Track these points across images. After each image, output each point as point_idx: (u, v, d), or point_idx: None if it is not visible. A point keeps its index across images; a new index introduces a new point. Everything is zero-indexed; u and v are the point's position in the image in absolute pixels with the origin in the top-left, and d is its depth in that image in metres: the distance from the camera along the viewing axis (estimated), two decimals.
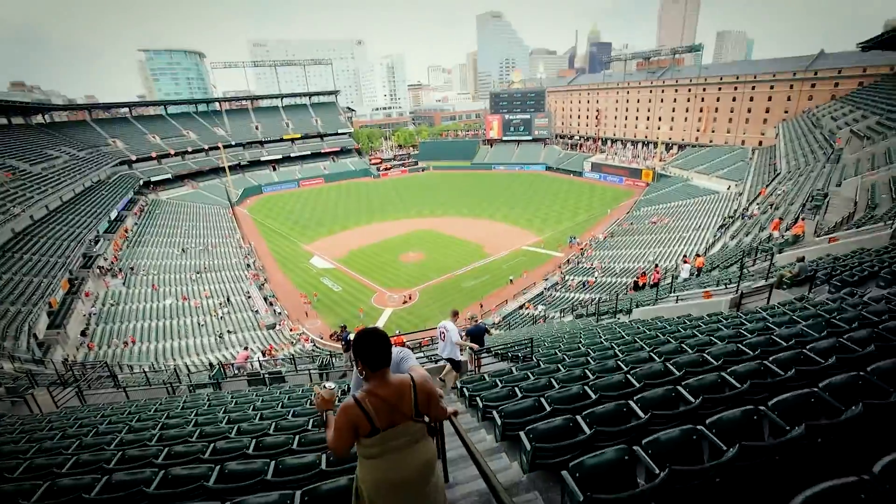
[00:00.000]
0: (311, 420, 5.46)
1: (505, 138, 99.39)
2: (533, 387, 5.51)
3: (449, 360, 8.70)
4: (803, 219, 20.16)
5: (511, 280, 39.97)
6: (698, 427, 3.03)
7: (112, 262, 39.12)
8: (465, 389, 6.69)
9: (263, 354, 16.08)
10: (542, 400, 4.68)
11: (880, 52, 53.17)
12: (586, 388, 4.79)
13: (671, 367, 4.90)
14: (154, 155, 75.84)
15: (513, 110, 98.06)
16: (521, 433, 3.69)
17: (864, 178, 22.86)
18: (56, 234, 36.75)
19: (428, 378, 2.60)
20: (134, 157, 73.07)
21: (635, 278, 20.91)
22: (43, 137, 60.39)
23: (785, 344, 4.91)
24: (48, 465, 4.37)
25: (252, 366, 14.36)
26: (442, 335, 8.64)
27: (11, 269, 28.87)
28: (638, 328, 9.59)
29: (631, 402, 3.94)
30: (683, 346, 6.01)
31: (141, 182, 67.83)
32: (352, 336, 13.83)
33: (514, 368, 7.60)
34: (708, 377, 4.11)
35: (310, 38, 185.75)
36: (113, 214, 49.19)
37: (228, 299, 36.57)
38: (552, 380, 5.59)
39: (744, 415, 3.10)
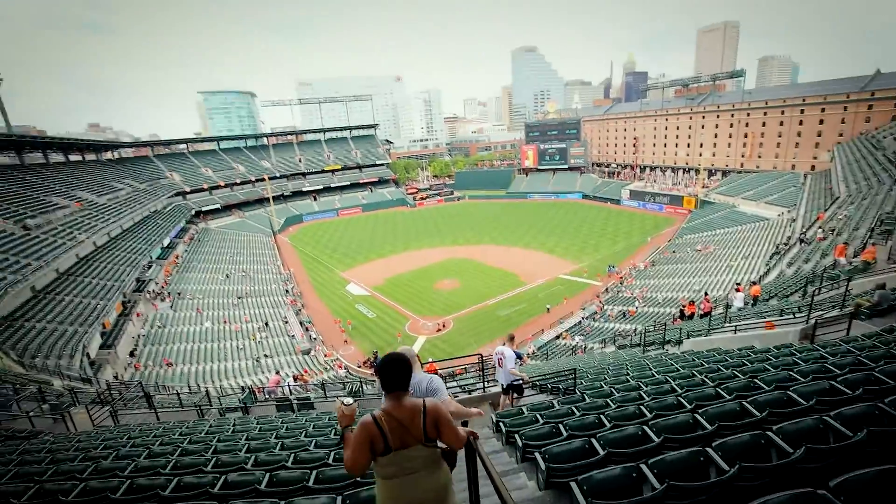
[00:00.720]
0: (332, 453, 5.04)
1: (540, 167, 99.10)
2: (580, 424, 4.85)
3: (508, 386, 8.36)
4: (874, 244, 18.39)
5: (548, 309, 38.67)
6: (819, 492, 2.23)
7: (162, 287, 40.98)
8: (501, 424, 6.07)
9: (295, 380, 15.88)
10: (594, 442, 4.06)
11: None
12: (646, 428, 4.11)
13: (749, 406, 4.15)
14: (206, 186, 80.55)
15: (548, 139, 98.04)
16: (573, 484, 3.06)
17: None
18: (114, 260, 39.07)
19: (440, 405, 2.67)
20: (188, 189, 77.83)
21: (682, 307, 19.51)
22: (110, 171, 65.54)
23: (892, 382, 4.04)
24: (55, 490, 4.17)
25: (282, 391, 14.14)
26: (500, 361, 8.30)
27: (72, 291, 30.71)
28: (693, 360, 8.65)
29: (709, 450, 3.23)
30: (757, 381, 5.18)
31: (193, 212, 71.86)
32: None
33: (555, 402, 6.95)
34: (805, 421, 3.35)
35: (352, 75, 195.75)
36: (166, 242, 52.04)
37: (267, 324, 37.27)
38: (602, 417, 4.92)
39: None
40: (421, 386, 3.73)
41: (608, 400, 6.00)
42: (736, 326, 11.06)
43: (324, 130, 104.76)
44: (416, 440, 2.56)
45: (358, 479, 4.00)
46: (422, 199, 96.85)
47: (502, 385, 8.44)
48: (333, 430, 7.04)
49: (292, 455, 4.99)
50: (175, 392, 14.61)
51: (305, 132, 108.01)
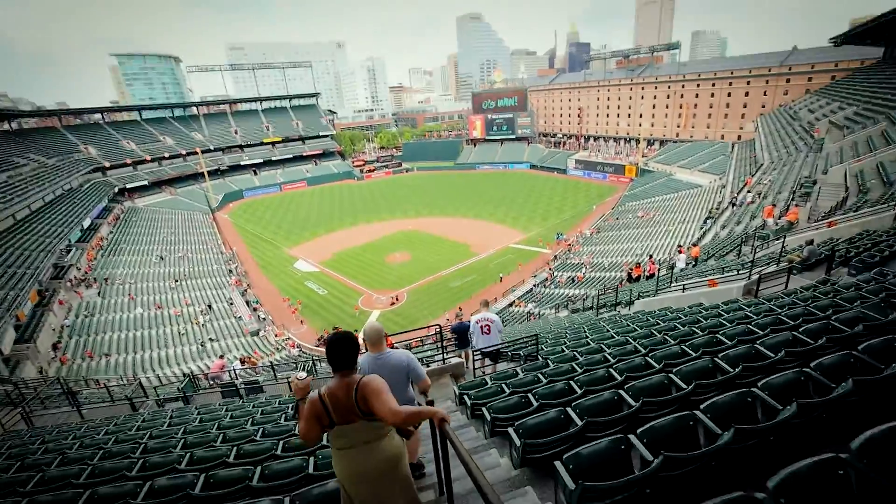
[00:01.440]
0: (281, 442, 4.54)
1: (488, 138, 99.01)
2: (550, 392, 4.65)
3: (486, 353, 8.22)
4: (796, 205, 19.93)
5: (501, 278, 39.29)
6: (843, 456, 2.01)
7: (86, 272, 37.27)
8: (465, 397, 5.81)
9: (242, 363, 14.88)
10: (570, 411, 3.84)
11: (852, 47, 54.60)
12: (622, 392, 3.95)
13: (721, 362, 4.10)
14: (129, 161, 73.25)
15: (495, 110, 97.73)
16: (558, 463, 2.79)
17: (850, 165, 23.05)
18: (24, 245, 34.74)
19: (372, 380, 2.72)
20: (107, 164, 70.39)
21: (629, 270, 20.34)
22: (9, 145, 57.65)
23: (850, 330, 4.15)
24: None
25: (229, 375, 13.16)
26: (486, 328, 8.06)
27: None
28: (648, 320, 8.87)
29: (698, 413, 3.06)
30: (718, 336, 5.22)
31: (116, 189, 65.39)
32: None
33: (519, 370, 6.78)
34: (786, 375, 3.28)
35: (289, 41, 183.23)
36: (86, 223, 47.10)
37: (210, 306, 35.09)
38: (572, 384, 4.75)
39: None
40: (402, 363, 3.74)
41: (573, 364, 5.88)
42: (684, 285, 11.51)
43: (260, 99, 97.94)
44: (357, 416, 2.69)
45: (310, 472, 3.64)
46: (369, 171, 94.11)
47: (479, 351, 8.29)
48: (285, 412, 6.50)
49: (234, 449, 4.43)
50: (103, 386, 13.16)
51: (240, 101, 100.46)
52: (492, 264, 42.89)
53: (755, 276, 9.18)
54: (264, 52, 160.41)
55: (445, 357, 9.30)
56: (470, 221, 56.78)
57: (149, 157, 75.73)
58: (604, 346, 6.68)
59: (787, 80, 64.63)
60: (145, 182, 72.06)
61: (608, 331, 8.47)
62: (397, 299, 36.71)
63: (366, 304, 36.40)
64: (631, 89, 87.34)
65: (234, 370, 13.65)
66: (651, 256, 25.23)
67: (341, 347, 2.75)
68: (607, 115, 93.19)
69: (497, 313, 32.21)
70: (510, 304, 34.87)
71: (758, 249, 14.26)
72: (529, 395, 4.65)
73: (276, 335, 32.54)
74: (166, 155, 77.95)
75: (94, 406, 10.93)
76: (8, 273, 29.33)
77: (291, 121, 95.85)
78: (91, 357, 25.87)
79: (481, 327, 8.16)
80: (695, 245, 17.95)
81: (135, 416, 8.31)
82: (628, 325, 8.50)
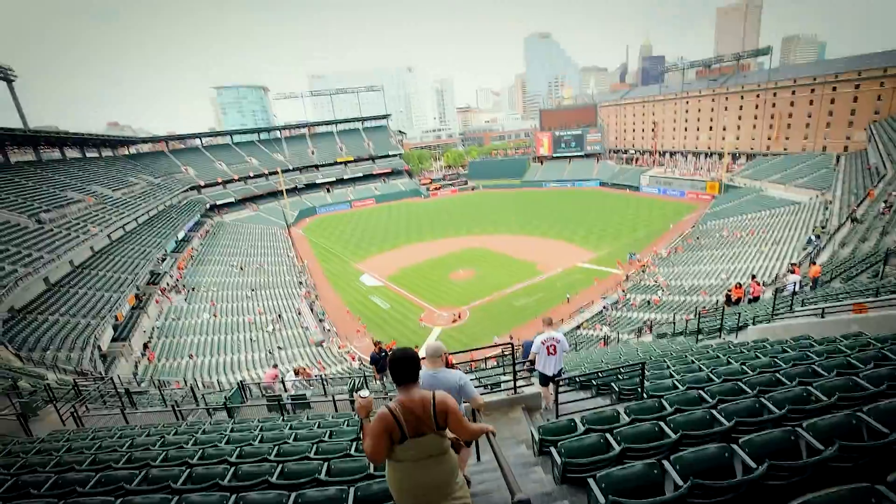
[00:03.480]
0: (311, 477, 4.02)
1: (556, 155, 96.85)
2: (698, 460, 3.54)
3: (552, 377, 7.20)
4: None
5: (568, 298, 37.37)
6: None
7: (177, 280, 40.92)
8: (552, 450, 4.40)
9: (296, 374, 14.76)
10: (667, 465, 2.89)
11: None
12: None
13: None
14: (220, 180, 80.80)
15: (564, 126, 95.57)
16: None
17: None
18: (128, 253, 39.06)
19: (448, 397, 2.83)
20: (202, 183, 78.16)
21: (728, 292, 18.14)
22: (126, 167, 66.04)
23: None
24: None
25: (281, 386, 13.01)
26: (552, 348, 7.20)
27: (86, 284, 30.63)
28: (787, 351, 7.14)
29: None
30: None
31: (207, 206, 72.13)
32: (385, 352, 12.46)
33: (623, 410, 5.33)
34: None
35: (363, 68, 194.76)
36: (180, 235, 52.13)
37: (280, 316, 36.86)
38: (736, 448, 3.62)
39: None
40: (454, 382, 3.81)
41: (707, 411, 4.61)
42: (823, 309, 9.51)
43: (336, 122, 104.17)
44: (429, 429, 2.74)
45: None
46: (435, 189, 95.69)
47: (548, 376, 7.33)
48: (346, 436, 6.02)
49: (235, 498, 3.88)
50: (158, 389, 13.32)
51: (317, 124, 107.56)
52: (558, 283, 41.06)
53: None
54: (341, 78, 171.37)
55: (517, 384, 7.85)
56: (536, 240, 55.21)
57: (237, 177, 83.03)
58: (742, 385, 5.39)
59: None
60: (232, 199, 78.88)
61: (737, 363, 6.79)
62: (459, 316, 36.14)
63: (427, 321, 36.20)
64: (713, 100, 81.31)
65: (284, 381, 13.48)
66: (754, 277, 22.57)
67: (406, 363, 2.83)
68: (685, 129, 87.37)
69: (564, 335, 30.55)
70: (577, 327, 32.89)
71: None
72: (658, 461, 3.72)
73: (339, 347, 33.27)
74: (251, 174, 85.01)
75: (139, 412, 11.16)
76: (113, 278, 32.93)
77: (363, 141, 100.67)
78: (150, 360, 27.73)
79: (547, 348, 7.24)
80: (814, 263, 15.52)
81: (171, 427, 8.08)
82: (760, 357, 6.72)
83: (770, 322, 10.91)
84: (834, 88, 63.90)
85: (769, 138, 73.09)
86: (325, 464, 4.66)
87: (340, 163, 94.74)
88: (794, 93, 68.93)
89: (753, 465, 3.34)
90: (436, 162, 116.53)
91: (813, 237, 30.80)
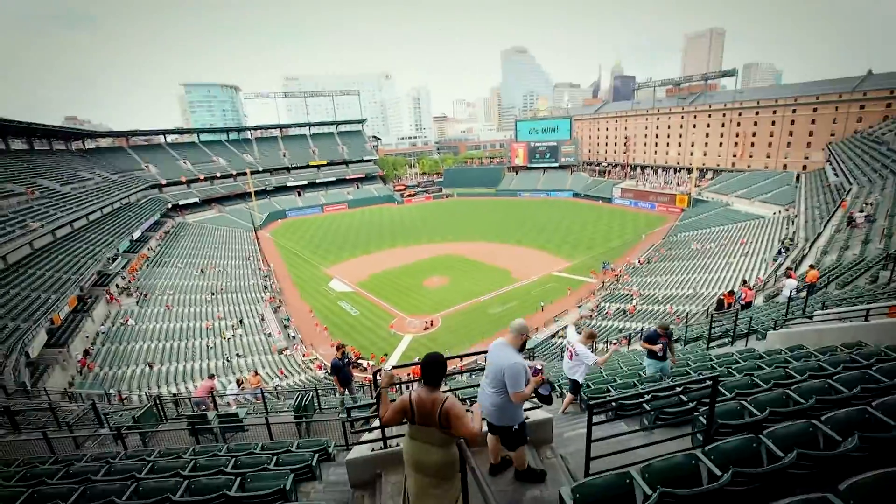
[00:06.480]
0: None
1: (531, 165, 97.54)
2: None
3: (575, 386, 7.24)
4: None
5: (542, 306, 36.73)
6: None
7: (129, 282, 38.03)
8: None
9: (239, 384, 12.80)
10: None
11: None
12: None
13: None
14: (184, 179, 77.04)
15: (539, 137, 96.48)
16: None
17: None
18: (75, 252, 35.96)
19: (455, 404, 3.24)
20: (164, 182, 74.29)
21: (720, 298, 17.76)
22: (79, 161, 61.88)
23: None
24: None
25: (217, 401, 10.96)
26: (569, 354, 7.07)
27: (19, 284, 27.69)
28: (826, 367, 5.80)
29: None
30: None
31: (169, 205, 68.40)
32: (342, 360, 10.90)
33: (704, 455, 3.53)
34: None
35: (339, 72, 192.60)
36: (136, 235, 48.84)
37: (241, 321, 34.63)
38: None
39: None
40: (501, 362, 4.06)
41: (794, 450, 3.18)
42: (868, 311, 8.70)
43: (309, 125, 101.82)
44: (434, 424, 3.26)
45: None
46: (409, 196, 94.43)
47: (576, 381, 7.07)
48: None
49: None
50: (46, 407, 10.67)
51: (290, 126, 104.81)
52: (533, 291, 40.45)
53: None
54: (316, 82, 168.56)
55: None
56: (511, 248, 54.71)
57: (202, 177, 79.44)
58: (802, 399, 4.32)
59: (862, 107, 59.59)
60: (196, 199, 75.25)
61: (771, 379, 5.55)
62: (431, 324, 34.88)
63: (398, 328, 34.77)
64: (682, 118, 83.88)
65: (227, 395, 11.53)
66: (745, 282, 22.38)
67: (436, 368, 3.36)
68: (656, 144, 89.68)
69: (535, 346, 29.56)
70: (553, 336, 32.20)
71: None
72: None
73: (304, 355, 31.39)
74: (218, 175, 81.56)
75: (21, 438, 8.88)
76: (53, 278, 30.03)
77: (337, 145, 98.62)
78: (85, 366, 25.16)
79: (569, 352, 7.01)
80: (812, 267, 15.26)
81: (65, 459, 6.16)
82: (790, 366, 5.79)
83: (782, 328, 10.15)
84: (794, 111, 66.91)
85: (734, 155, 75.74)
86: None
87: (313, 166, 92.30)
88: (757, 113, 71.83)
89: None
90: (410, 169, 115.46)
91: (782, 249, 31.30)
